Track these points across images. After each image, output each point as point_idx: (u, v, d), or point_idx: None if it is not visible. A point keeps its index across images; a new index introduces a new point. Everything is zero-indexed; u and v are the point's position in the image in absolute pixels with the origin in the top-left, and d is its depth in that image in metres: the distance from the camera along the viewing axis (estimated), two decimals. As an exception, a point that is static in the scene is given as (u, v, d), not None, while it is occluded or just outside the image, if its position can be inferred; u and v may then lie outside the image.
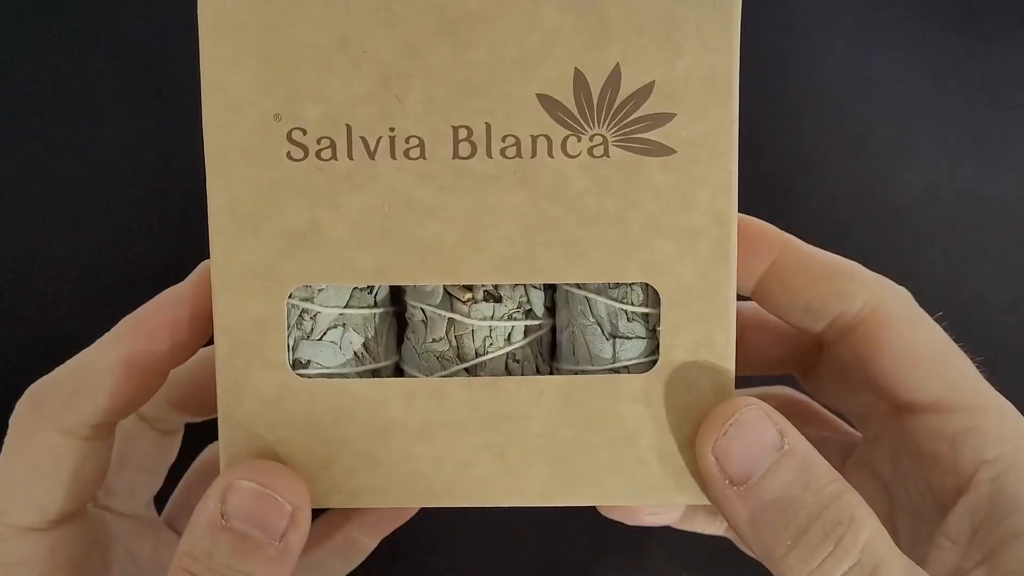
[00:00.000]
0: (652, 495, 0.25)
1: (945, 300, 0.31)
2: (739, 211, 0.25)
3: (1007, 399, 0.26)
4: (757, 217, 0.27)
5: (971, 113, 0.36)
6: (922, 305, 0.27)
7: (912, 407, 0.26)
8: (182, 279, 0.27)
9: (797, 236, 0.28)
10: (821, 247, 0.28)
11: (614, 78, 0.23)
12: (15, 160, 0.38)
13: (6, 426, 0.27)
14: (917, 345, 0.26)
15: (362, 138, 0.24)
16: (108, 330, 0.26)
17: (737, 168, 0.24)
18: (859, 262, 0.28)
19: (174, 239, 0.38)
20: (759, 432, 0.23)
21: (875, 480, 0.28)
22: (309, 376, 0.25)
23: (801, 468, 0.23)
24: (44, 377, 0.25)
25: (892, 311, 0.26)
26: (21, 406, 0.25)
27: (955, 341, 0.27)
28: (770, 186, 0.29)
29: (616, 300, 0.25)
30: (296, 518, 0.23)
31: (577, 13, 0.23)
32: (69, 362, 0.26)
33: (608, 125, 0.24)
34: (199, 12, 0.23)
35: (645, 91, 0.23)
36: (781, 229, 0.28)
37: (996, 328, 0.28)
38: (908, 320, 0.26)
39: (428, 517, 0.33)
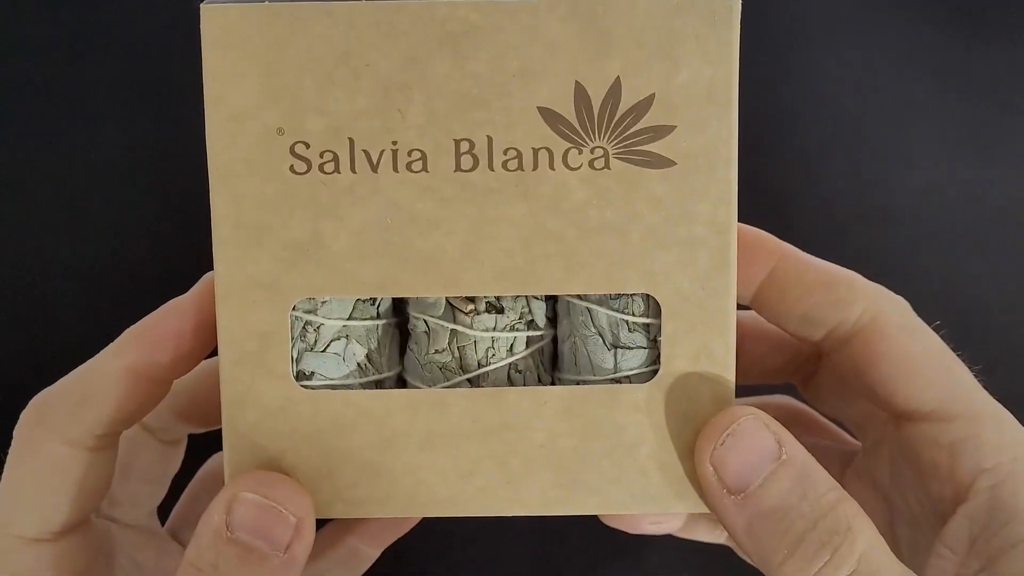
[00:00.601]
0: (652, 504, 0.25)
1: (945, 300, 0.31)
2: (738, 214, 0.25)
3: (1007, 399, 0.26)
4: (757, 217, 0.28)
5: (971, 113, 0.36)
6: (921, 305, 0.27)
7: (910, 416, 0.26)
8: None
9: (797, 237, 0.28)
10: (821, 247, 0.28)
11: (615, 91, 0.23)
12: (15, 160, 0.38)
13: (3, 427, 0.27)
14: (915, 354, 0.26)
15: (365, 151, 0.24)
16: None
17: (736, 178, 0.24)
18: (859, 262, 0.28)
19: (175, 240, 0.38)
20: (757, 442, 0.23)
21: (874, 489, 0.29)
22: (313, 387, 0.25)
23: (798, 477, 0.23)
24: (48, 388, 0.26)
25: (890, 320, 0.26)
26: (25, 417, 0.25)
27: (954, 342, 0.27)
28: (770, 187, 0.29)
29: (617, 311, 0.25)
30: (300, 529, 0.23)
31: (578, 26, 0.23)
32: (73, 372, 0.26)
33: (609, 138, 0.24)
34: (202, 26, 0.23)
35: (645, 104, 0.24)
36: (781, 230, 0.28)
37: (995, 328, 0.29)
38: (906, 329, 0.26)
39: (429, 524, 0.33)
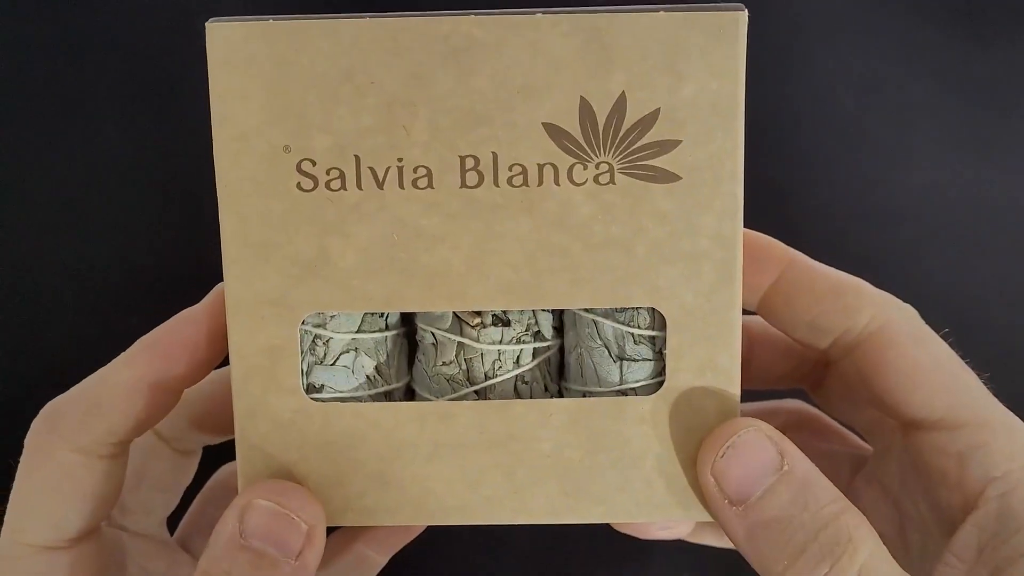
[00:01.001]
0: (658, 512, 0.25)
1: (945, 301, 0.31)
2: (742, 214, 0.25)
3: (1008, 400, 0.26)
4: (758, 219, 0.28)
5: (971, 113, 0.36)
6: (922, 306, 0.27)
7: (918, 424, 0.26)
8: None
9: (797, 237, 0.28)
10: (821, 248, 0.28)
11: (620, 106, 0.24)
12: (15, 160, 0.38)
13: (2, 426, 0.27)
14: (922, 362, 0.26)
15: (371, 168, 0.24)
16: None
17: (742, 191, 0.24)
18: (859, 263, 0.28)
19: (175, 240, 0.38)
20: (757, 453, 0.23)
21: (885, 494, 0.29)
22: (323, 400, 0.25)
23: (800, 488, 0.23)
24: (59, 396, 0.26)
25: (898, 328, 0.26)
26: (37, 425, 0.26)
27: (954, 342, 0.27)
28: (770, 187, 0.29)
29: (623, 323, 0.25)
30: (312, 537, 0.24)
31: (581, 41, 0.23)
32: (84, 381, 0.26)
33: (614, 153, 0.24)
34: (208, 45, 0.24)
35: (651, 118, 0.24)
36: (781, 231, 0.28)
37: (996, 329, 0.29)
38: (913, 337, 0.26)
39: (434, 527, 0.34)
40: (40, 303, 0.38)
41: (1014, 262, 0.37)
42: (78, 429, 0.25)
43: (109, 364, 0.26)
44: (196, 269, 0.27)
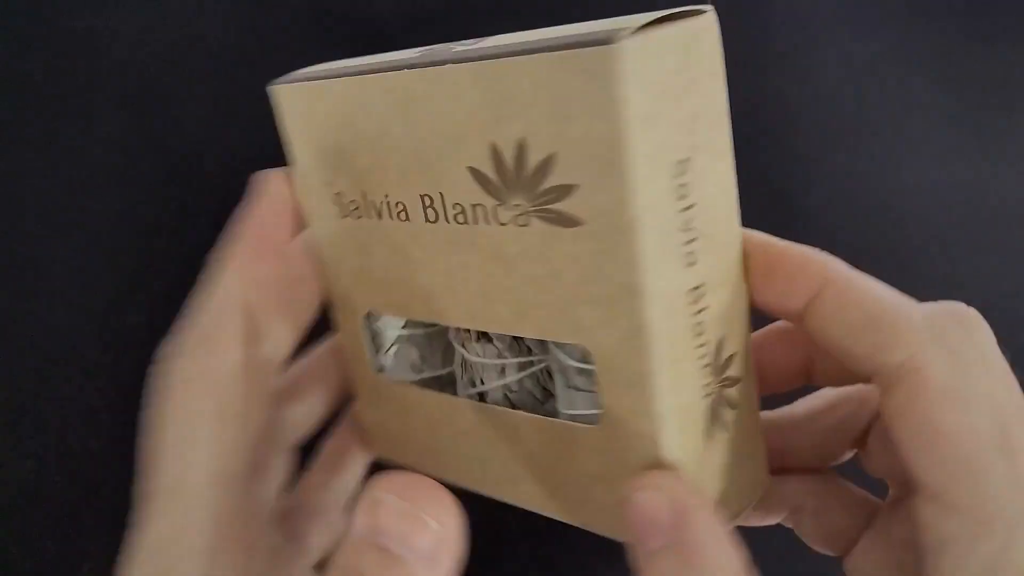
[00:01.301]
0: (614, 531, 0.26)
1: (944, 300, 0.27)
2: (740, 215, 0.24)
3: None
4: (757, 217, 0.26)
5: (971, 113, 0.32)
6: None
7: (916, 488, 0.22)
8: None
9: (797, 237, 0.25)
10: (820, 247, 0.25)
11: (522, 151, 0.23)
12: (15, 161, 0.38)
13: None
14: (943, 427, 0.22)
15: (372, 201, 0.28)
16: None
17: (649, 241, 0.22)
18: (858, 263, 0.25)
19: (177, 241, 0.38)
20: (647, 514, 0.23)
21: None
22: (385, 379, 0.31)
23: (687, 562, 0.22)
24: (182, 328, 0.27)
25: (932, 377, 0.22)
26: (181, 355, 0.27)
27: None
28: (770, 186, 0.26)
29: (567, 354, 0.25)
30: (444, 537, 0.22)
31: (485, 87, 0.23)
32: (197, 303, 0.27)
33: (524, 196, 0.24)
34: (278, 105, 0.30)
35: (549, 163, 0.23)
36: (781, 230, 0.26)
37: (996, 329, 0.23)
38: (945, 393, 0.22)
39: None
40: (40, 303, 0.38)
41: (1014, 262, 0.32)
42: (231, 345, 0.26)
43: (217, 284, 0.28)
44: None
